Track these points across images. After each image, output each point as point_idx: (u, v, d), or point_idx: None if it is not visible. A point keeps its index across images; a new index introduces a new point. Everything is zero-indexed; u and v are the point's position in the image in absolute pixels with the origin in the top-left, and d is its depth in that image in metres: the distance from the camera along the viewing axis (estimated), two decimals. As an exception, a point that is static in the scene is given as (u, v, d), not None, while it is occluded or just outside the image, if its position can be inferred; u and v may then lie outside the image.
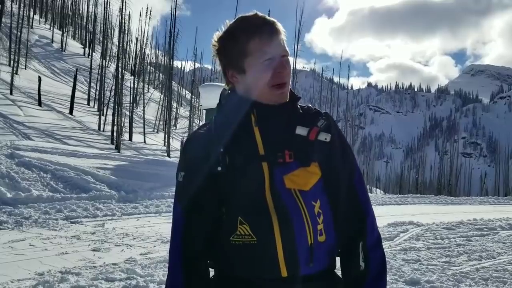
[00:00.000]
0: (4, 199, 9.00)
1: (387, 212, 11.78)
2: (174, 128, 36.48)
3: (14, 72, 27.16)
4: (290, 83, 1.41)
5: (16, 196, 9.21)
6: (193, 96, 39.80)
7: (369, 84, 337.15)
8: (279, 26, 1.38)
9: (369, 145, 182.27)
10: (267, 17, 1.39)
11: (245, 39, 1.34)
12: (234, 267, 1.38)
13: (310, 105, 1.49)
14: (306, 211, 1.34)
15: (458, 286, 5.15)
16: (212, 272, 1.47)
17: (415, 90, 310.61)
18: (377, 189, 56.01)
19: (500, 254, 6.93)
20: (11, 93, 25.24)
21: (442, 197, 20.68)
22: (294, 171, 1.34)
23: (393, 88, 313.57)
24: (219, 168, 1.33)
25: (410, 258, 6.30)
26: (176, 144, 29.51)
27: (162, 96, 38.19)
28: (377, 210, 12.23)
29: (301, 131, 1.37)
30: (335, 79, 55.48)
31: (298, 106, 1.45)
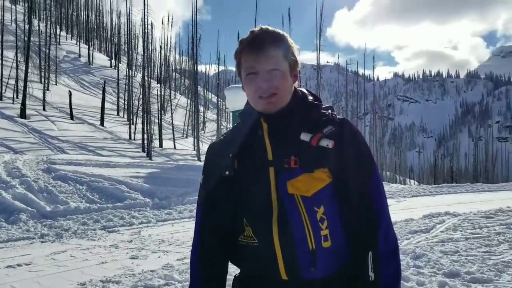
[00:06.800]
0: (44, 212, 9.31)
1: (422, 204, 11.57)
2: (203, 132, 36.81)
3: (46, 88, 28.02)
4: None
5: (55, 209, 9.51)
6: (219, 99, 40.09)
7: (396, 74, 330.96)
8: (272, 41, 1.38)
9: (399, 136, 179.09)
10: (259, 33, 1.40)
11: (238, 55, 1.44)
12: (241, 266, 1.51)
13: (330, 110, 1.47)
14: (306, 216, 1.36)
15: (500, 276, 5.00)
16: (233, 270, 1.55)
17: (444, 76, 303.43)
18: (410, 180, 55.11)
19: (543, 240, 6.71)
20: (44, 109, 26.06)
21: (478, 184, 20.15)
22: (297, 177, 1.37)
23: (421, 76, 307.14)
24: (227, 172, 1.44)
25: (448, 250, 6.16)
26: (205, 148, 29.78)
27: (189, 101, 38.62)
28: (412, 202, 12.11)
29: (304, 137, 1.39)
30: (360, 71, 54.48)
31: (315, 112, 1.45)
